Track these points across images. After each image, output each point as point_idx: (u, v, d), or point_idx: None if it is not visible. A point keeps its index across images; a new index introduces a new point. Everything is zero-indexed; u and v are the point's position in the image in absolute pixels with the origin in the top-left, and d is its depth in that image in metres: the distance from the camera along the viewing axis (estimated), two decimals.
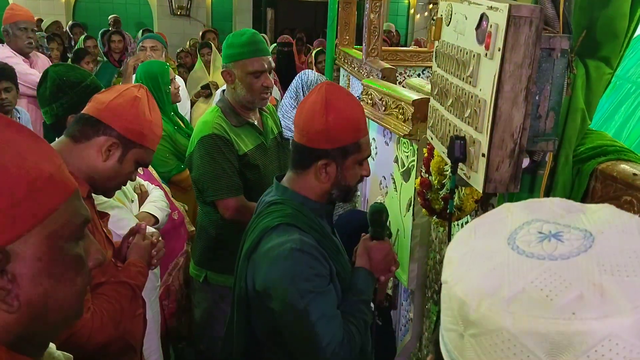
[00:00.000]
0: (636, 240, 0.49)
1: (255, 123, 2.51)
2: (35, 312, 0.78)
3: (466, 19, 1.34)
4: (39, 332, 0.81)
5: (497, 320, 0.46)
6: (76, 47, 6.42)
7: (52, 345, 0.93)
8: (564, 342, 0.44)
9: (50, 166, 0.80)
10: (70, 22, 9.15)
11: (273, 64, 2.52)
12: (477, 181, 1.27)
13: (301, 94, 4.09)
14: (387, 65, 3.49)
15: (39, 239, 0.77)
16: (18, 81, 3.36)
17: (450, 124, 1.44)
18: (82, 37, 6.74)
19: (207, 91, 5.32)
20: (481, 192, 1.26)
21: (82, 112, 1.71)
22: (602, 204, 0.55)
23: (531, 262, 0.48)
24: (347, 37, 4.79)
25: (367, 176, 1.76)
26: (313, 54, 5.73)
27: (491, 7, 1.21)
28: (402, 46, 8.95)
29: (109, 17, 9.20)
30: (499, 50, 1.16)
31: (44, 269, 0.78)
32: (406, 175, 2.53)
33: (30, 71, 3.94)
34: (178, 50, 7.50)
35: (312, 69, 5.58)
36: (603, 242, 0.48)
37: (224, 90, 2.54)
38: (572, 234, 0.50)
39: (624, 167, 1.31)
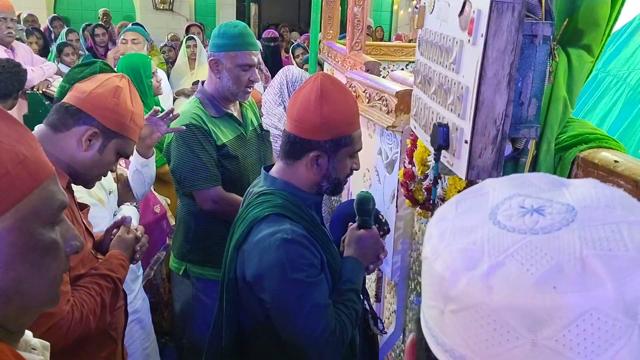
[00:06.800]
0: (619, 214, 0.48)
1: (235, 114, 2.49)
2: (8, 298, 0.76)
3: (449, 5, 1.34)
4: (12, 317, 0.79)
5: (477, 295, 0.45)
6: (58, 41, 6.33)
7: (28, 333, 0.91)
8: (544, 317, 0.43)
9: (26, 149, 0.78)
10: (50, 16, 9.03)
11: (260, 60, 2.51)
12: (460, 168, 1.26)
13: (285, 90, 4.06)
14: (371, 59, 3.48)
15: (12, 223, 0.75)
16: None
17: (433, 112, 1.43)
18: (64, 30, 6.66)
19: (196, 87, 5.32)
20: (464, 178, 1.26)
21: (63, 100, 1.67)
22: (585, 179, 0.54)
23: (512, 237, 0.47)
24: (331, 32, 4.77)
25: (357, 170, 1.74)
26: (290, 49, 5.71)
27: None
28: (385, 42, 8.96)
29: (99, 10, 9.09)
30: (482, 36, 1.16)
31: (18, 254, 0.76)
32: (390, 167, 2.52)
33: None
34: (161, 45, 7.43)
35: (293, 64, 5.56)
36: (585, 216, 0.48)
37: (203, 82, 2.51)
38: (554, 208, 0.49)
39: (605, 154, 1.31)
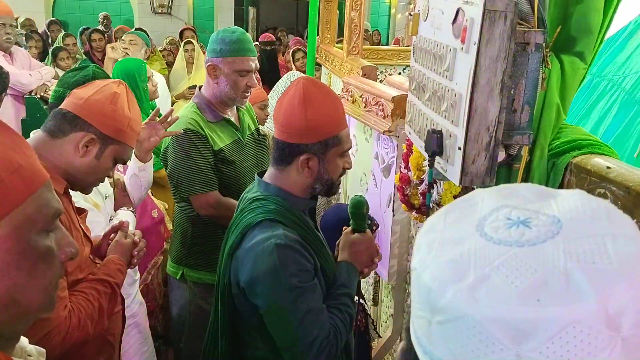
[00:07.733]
0: (604, 226, 0.49)
1: (232, 119, 2.50)
2: (3, 305, 0.77)
3: (443, 13, 1.35)
4: (6, 324, 0.79)
5: (463, 307, 0.46)
6: (55, 44, 6.34)
7: (24, 339, 0.92)
8: (528, 329, 0.44)
9: (20, 157, 0.79)
10: (47, 20, 9.04)
11: (258, 65, 2.52)
12: (454, 174, 1.27)
13: None
14: (368, 63, 3.49)
15: (7, 231, 0.75)
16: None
17: (427, 118, 1.44)
18: (61, 34, 6.67)
19: (193, 90, 5.30)
20: (457, 184, 1.27)
21: (60, 107, 1.68)
22: (573, 190, 0.55)
23: (498, 249, 0.48)
24: (329, 36, 4.78)
25: (349, 168, 1.75)
26: (290, 53, 5.71)
27: (467, 1, 1.22)
28: (383, 45, 8.98)
29: (99, 14, 9.11)
30: (475, 44, 1.17)
31: (12, 261, 0.76)
32: (386, 171, 2.53)
33: (14, 71, 3.87)
34: (160, 49, 7.44)
35: (292, 68, 5.57)
36: (570, 228, 0.48)
37: (200, 87, 2.52)
38: (540, 220, 0.50)
39: (598, 160, 1.32)
